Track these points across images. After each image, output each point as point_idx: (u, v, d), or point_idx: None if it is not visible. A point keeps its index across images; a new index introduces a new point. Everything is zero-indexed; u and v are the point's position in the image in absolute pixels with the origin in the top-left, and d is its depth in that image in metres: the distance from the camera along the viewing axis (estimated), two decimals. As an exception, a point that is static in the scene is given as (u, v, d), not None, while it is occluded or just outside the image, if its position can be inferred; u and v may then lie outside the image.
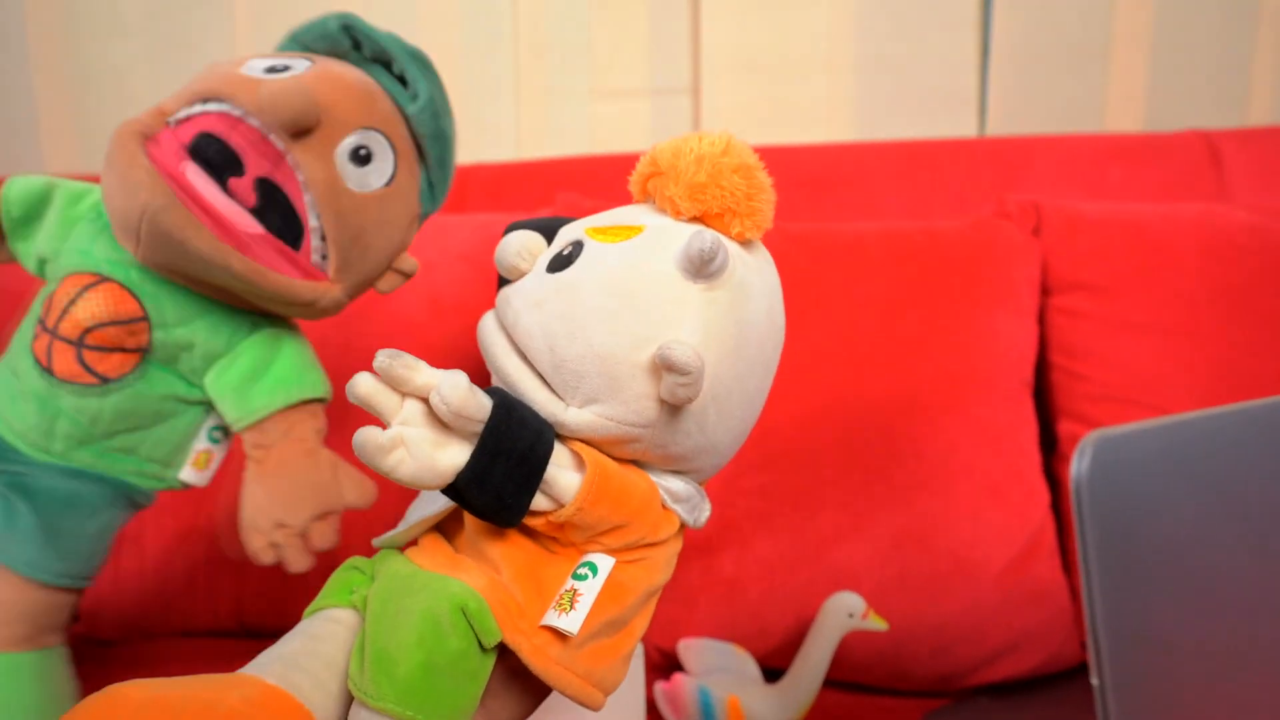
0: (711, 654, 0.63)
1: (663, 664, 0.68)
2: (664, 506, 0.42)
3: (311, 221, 0.50)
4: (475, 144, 1.02)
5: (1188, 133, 0.86)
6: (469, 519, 0.41)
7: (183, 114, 0.50)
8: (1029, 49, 0.93)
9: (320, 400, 0.53)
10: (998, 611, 0.65)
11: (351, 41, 0.54)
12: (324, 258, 0.50)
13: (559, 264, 0.40)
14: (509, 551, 0.39)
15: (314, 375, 0.54)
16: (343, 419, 0.53)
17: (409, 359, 0.36)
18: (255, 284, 0.48)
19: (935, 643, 0.65)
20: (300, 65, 0.51)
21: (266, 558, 0.51)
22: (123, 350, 0.49)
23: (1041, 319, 0.76)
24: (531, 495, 0.37)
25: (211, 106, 0.49)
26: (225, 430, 0.54)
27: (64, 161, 1.06)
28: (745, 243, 0.42)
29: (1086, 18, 0.92)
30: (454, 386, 0.35)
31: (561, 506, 0.38)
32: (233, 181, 0.48)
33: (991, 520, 0.68)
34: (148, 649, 0.72)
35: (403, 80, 0.54)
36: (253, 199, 0.49)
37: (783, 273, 0.46)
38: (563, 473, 0.38)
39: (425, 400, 0.36)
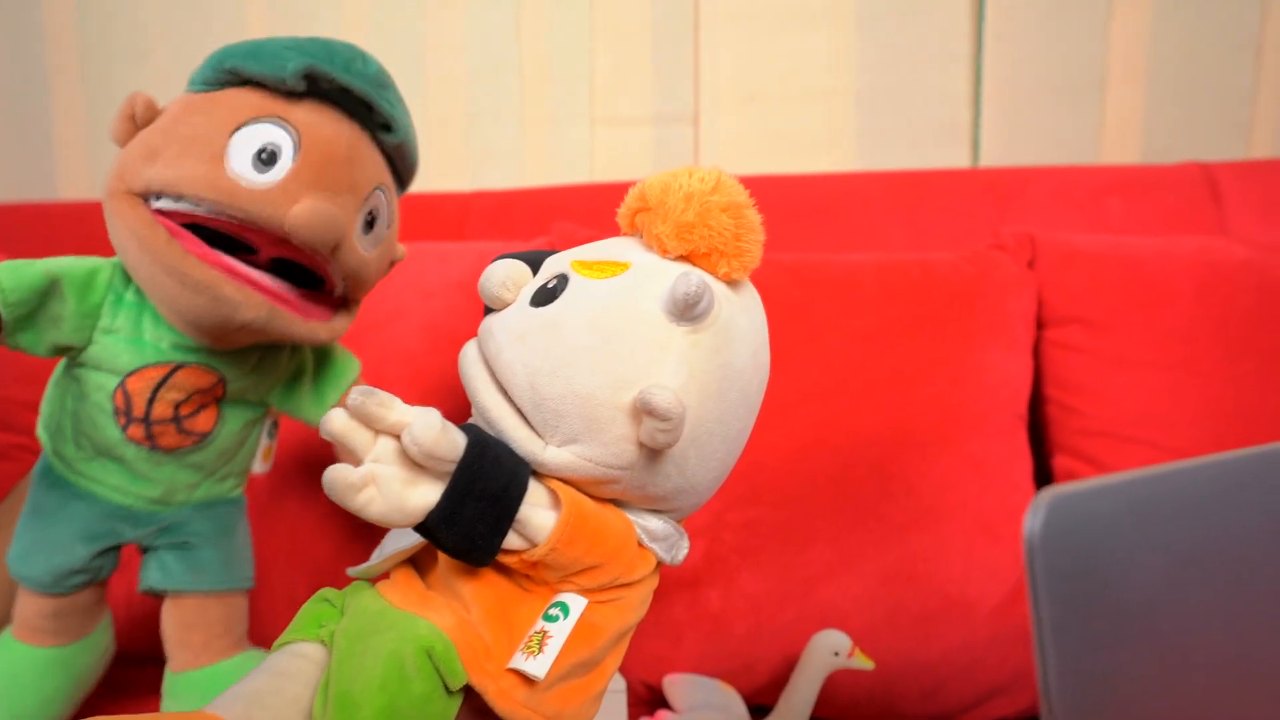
0: (697, 690, 0.63)
1: (648, 699, 0.67)
2: (640, 545, 0.41)
3: (336, 281, 0.54)
4: (478, 171, 1.03)
5: (1186, 165, 0.86)
6: (442, 554, 0.41)
7: (167, 206, 0.49)
8: (1022, 82, 0.93)
9: (358, 371, 0.63)
10: (990, 651, 0.64)
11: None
12: (344, 291, 0.55)
13: (543, 297, 0.40)
14: (480, 589, 0.39)
15: (348, 356, 0.63)
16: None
17: (383, 396, 0.36)
18: (325, 342, 0.55)
19: (926, 682, 0.64)
20: (285, 144, 0.49)
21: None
22: (207, 406, 0.55)
23: (1037, 352, 0.76)
24: (503, 536, 0.37)
25: (209, 210, 0.48)
26: (276, 423, 0.62)
27: (77, 186, 1.08)
28: (732, 282, 0.42)
29: (1080, 50, 0.92)
30: (426, 426, 0.35)
31: (535, 545, 0.38)
32: (243, 257, 0.50)
33: (984, 558, 0.67)
34: (137, 674, 0.72)
35: (367, 105, 0.53)
36: (265, 264, 0.51)
37: (774, 303, 0.45)
38: (537, 511, 0.38)
39: (399, 437, 0.36)
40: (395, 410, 0.36)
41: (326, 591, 0.43)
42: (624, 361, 0.37)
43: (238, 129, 0.48)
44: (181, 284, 0.48)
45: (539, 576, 0.39)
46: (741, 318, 0.41)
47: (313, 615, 0.41)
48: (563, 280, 0.41)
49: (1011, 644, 0.65)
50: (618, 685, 0.61)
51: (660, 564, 0.43)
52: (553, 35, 1.00)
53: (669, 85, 0.99)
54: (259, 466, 0.61)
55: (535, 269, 0.44)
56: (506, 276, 0.42)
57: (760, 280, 0.46)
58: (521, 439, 0.39)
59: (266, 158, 0.48)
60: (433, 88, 1.03)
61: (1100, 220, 0.85)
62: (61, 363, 0.57)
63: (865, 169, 0.96)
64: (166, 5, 1.03)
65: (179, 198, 0.48)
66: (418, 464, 0.36)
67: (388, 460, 0.36)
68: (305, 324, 0.52)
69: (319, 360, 0.61)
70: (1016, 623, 0.65)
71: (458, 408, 0.76)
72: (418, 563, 0.43)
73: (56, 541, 0.55)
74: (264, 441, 0.61)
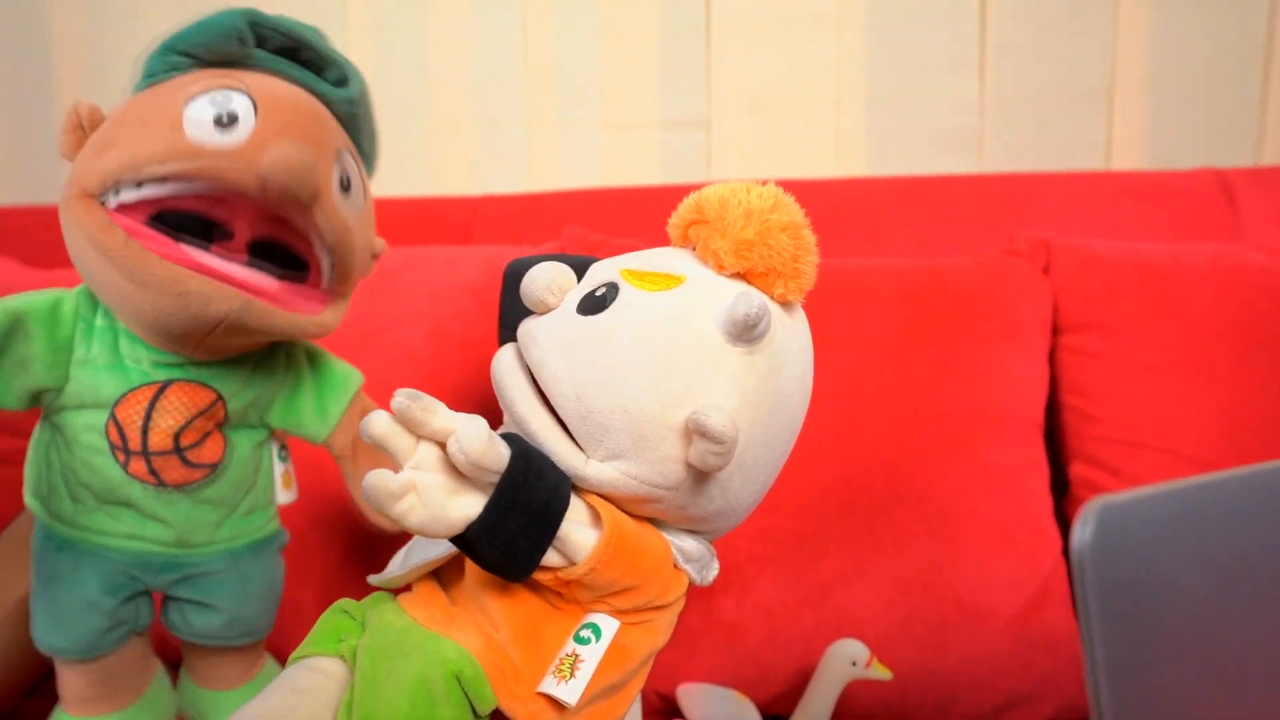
0: (712, 700, 0.62)
1: (662, 708, 0.66)
2: (675, 567, 0.40)
3: (321, 259, 0.50)
4: (485, 176, 1.03)
5: (1200, 171, 0.86)
6: (470, 568, 0.39)
7: (130, 198, 0.45)
8: (1031, 88, 0.93)
9: (360, 384, 0.59)
10: (1007, 660, 0.64)
11: (255, 40, 0.48)
12: (331, 277, 0.52)
13: (592, 305, 0.39)
14: (510, 607, 0.38)
15: (348, 367, 0.59)
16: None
17: (428, 401, 0.34)
18: (313, 336, 0.52)
19: (942, 691, 0.63)
20: (242, 105, 0.46)
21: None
22: (210, 434, 0.51)
23: (1052, 358, 0.75)
24: (544, 552, 0.35)
25: (174, 188, 0.44)
26: (285, 445, 0.58)
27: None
28: (785, 304, 0.41)
29: (1089, 57, 0.92)
30: (474, 436, 0.33)
31: (573, 564, 0.36)
32: (218, 246, 0.47)
33: (1001, 566, 0.66)
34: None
35: (315, 66, 0.51)
36: (244, 256, 0.48)
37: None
38: (577, 529, 0.36)
39: (441, 444, 0.35)
40: (440, 415, 0.34)
41: (345, 603, 0.42)
42: (677, 379, 0.36)
43: (191, 100, 0.45)
44: (143, 286, 0.44)
45: (572, 595, 0.38)
46: (793, 341, 0.40)
47: (331, 628, 0.40)
48: (612, 289, 0.39)
49: (1029, 654, 0.64)
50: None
51: (690, 585, 0.42)
52: (561, 40, 1.00)
53: (679, 91, 0.99)
54: (283, 496, 0.58)
55: (579, 275, 0.43)
56: (552, 280, 0.40)
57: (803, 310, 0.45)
58: (563, 452, 0.37)
59: (227, 120, 0.45)
60: (440, 93, 1.02)
61: (1114, 226, 0.84)
62: (40, 420, 0.52)
63: (875, 175, 0.96)
64: (172, 10, 1.03)
65: (139, 183, 0.45)
66: (461, 473, 0.34)
67: (430, 468, 0.34)
68: (288, 316, 0.48)
69: (318, 372, 0.57)
70: (1033, 632, 0.64)
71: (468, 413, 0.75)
72: (441, 575, 0.41)
73: (78, 606, 0.51)
74: (279, 467, 0.57)
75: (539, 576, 0.36)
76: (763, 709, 0.63)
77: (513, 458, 0.34)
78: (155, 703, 0.56)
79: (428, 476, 0.34)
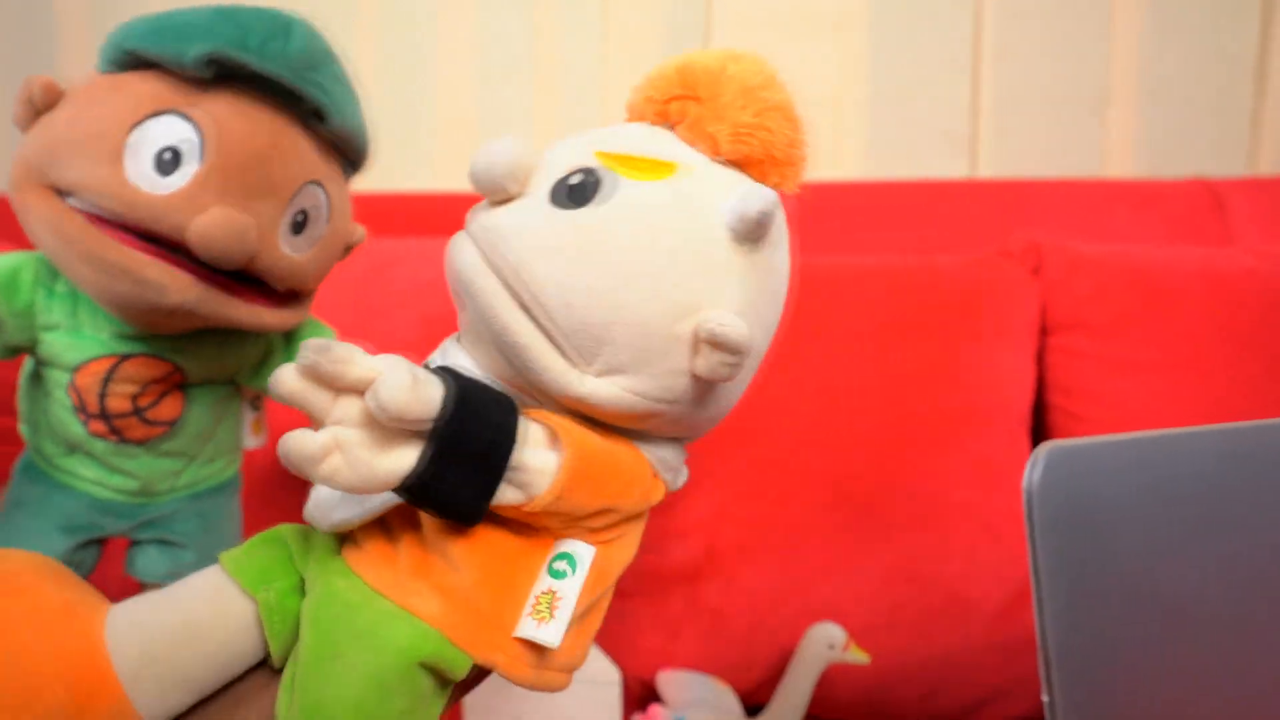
0: (690, 686, 0.62)
1: (642, 694, 0.66)
2: (655, 475, 0.37)
3: (270, 282, 0.49)
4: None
5: (1190, 180, 0.86)
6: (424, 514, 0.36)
7: (77, 205, 0.44)
8: (1026, 95, 0.94)
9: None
10: (990, 654, 0.64)
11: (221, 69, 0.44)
12: (285, 294, 0.51)
13: (572, 197, 0.34)
14: (472, 548, 0.34)
15: (321, 328, 0.58)
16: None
17: (341, 351, 0.31)
18: (276, 329, 0.51)
19: (925, 684, 0.63)
20: (190, 143, 0.43)
21: None
22: (169, 393, 0.52)
23: (1040, 358, 0.76)
24: (490, 497, 0.32)
25: (113, 216, 0.43)
26: (259, 395, 0.58)
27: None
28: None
29: (1085, 64, 0.93)
30: (394, 387, 0.29)
31: (534, 497, 0.33)
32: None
33: (986, 560, 0.66)
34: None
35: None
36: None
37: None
38: (535, 454, 0.33)
39: (362, 394, 0.31)
40: (356, 365, 0.30)
41: (288, 533, 0.39)
42: (686, 287, 0.32)
43: (137, 124, 0.43)
44: (101, 270, 0.43)
45: (540, 524, 0.34)
46: (781, 231, 0.37)
47: (264, 560, 0.37)
48: (592, 176, 0.35)
49: (1012, 648, 0.64)
50: (612, 677, 0.60)
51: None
52: (565, 39, 1.01)
53: (678, 92, 1.00)
54: (251, 441, 0.58)
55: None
56: (516, 164, 0.35)
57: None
58: (556, 370, 0.33)
59: (170, 159, 0.43)
60: (445, 89, 1.04)
61: (1105, 233, 0.85)
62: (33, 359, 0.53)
63: (871, 178, 0.97)
64: (179, 6, 1.05)
65: (84, 199, 0.44)
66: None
67: (352, 423, 0.31)
68: (247, 307, 0.47)
69: (290, 336, 0.56)
70: (1017, 626, 0.64)
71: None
72: (392, 519, 0.37)
73: (36, 533, 0.52)
74: (249, 415, 0.58)
75: (500, 510, 0.34)
76: (744, 696, 0.63)
77: (444, 402, 0.31)
78: None
79: (350, 433, 0.30)
